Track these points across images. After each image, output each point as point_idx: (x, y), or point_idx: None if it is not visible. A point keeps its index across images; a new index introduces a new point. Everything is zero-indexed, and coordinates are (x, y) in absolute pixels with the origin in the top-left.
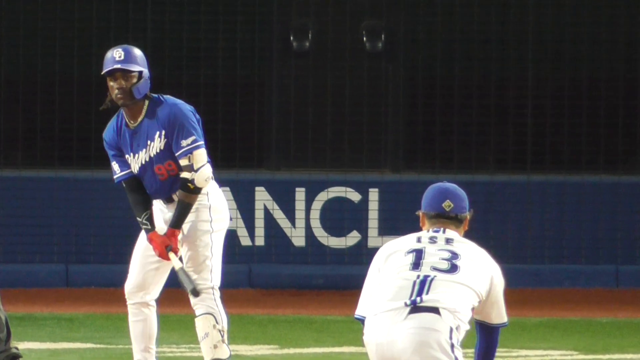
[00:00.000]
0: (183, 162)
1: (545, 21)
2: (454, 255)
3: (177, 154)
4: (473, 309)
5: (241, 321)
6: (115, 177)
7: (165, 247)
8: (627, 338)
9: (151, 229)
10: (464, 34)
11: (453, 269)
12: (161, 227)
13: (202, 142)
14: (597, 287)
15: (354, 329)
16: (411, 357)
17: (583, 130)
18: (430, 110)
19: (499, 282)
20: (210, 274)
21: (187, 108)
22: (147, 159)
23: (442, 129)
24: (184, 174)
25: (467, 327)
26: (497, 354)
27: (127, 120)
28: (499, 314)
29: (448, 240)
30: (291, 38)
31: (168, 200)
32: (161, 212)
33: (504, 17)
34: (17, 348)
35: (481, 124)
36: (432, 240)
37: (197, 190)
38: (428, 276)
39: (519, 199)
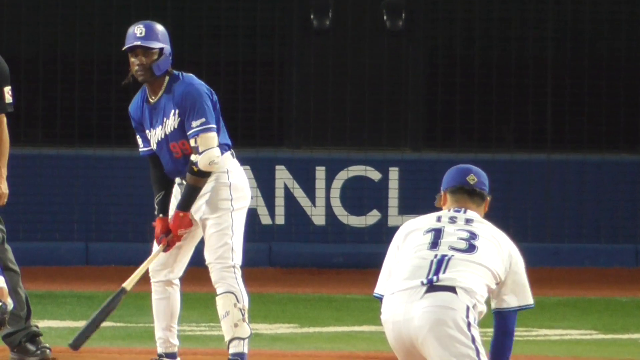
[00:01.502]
0: (192, 143)
1: (565, 0)
2: (473, 236)
3: (187, 134)
4: (489, 289)
5: (261, 300)
6: (140, 150)
7: (162, 233)
8: None
9: (158, 214)
10: (483, 13)
11: (471, 248)
12: (173, 204)
13: (212, 126)
14: (616, 266)
15: (374, 307)
16: (427, 335)
17: (603, 109)
18: (450, 89)
19: (519, 263)
20: (231, 252)
21: (203, 89)
22: (163, 136)
23: (462, 107)
24: (192, 156)
25: (484, 307)
26: (516, 333)
27: (148, 96)
28: (522, 296)
29: (467, 221)
30: (311, 16)
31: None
32: (180, 190)
33: None
34: (37, 326)
35: (501, 102)
36: (452, 220)
37: (201, 173)
38: (445, 255)
39: (538, 178)
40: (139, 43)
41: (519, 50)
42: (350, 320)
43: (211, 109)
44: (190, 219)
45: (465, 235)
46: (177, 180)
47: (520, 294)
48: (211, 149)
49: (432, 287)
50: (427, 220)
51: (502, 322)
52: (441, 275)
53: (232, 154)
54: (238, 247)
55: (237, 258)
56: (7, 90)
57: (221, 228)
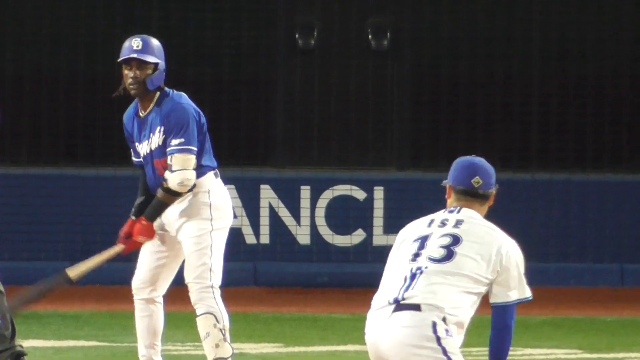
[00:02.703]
0: (168, 160)
1: (550, 19)
2: (455, 240)
3: (166, 151)
4: (475, 292)
5: (246, 319)
6: (132, 159)
7: (125, 235)
8: (631, 337)
9: (131, 216)
10: (469, 32)
11: (448, 257)
12: (163, 226)
13: (191, 147)
14: (602, 285)
15: (359, 327)
16: (395, 357)
17: (588, 129)
18: (436, 109)
19: (512, 259)
20: (209, 272)
21: (190, 110)
22: (148, 151)
23: (448, 127)
24: (166, 173)
25: (463, 314)
26: None
27: (138, 109)
28: (515, 290)
29: (457, 222)
30: (297, 36)
31: None
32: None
33: (509, 15)
34: (21, 346)
35: (486, 122)
36: (443, 223)
37: (170, 191)
38: (420, 268)
39: (523, 197)
40: (135, 56)
41: (504, 70)
42: (335, 340)
43: (194, 131)
44: (153, 230)
45: (447, 241)
46: None
47: (513, 288)
48: (184, 170)
49: (398, 306)
50: (420, 225)
51: (496, 316)
52: (407, 293)
53: (215, 174)
54: (217, 267)
55: (216, 278)
56: None
57: (200, 247)
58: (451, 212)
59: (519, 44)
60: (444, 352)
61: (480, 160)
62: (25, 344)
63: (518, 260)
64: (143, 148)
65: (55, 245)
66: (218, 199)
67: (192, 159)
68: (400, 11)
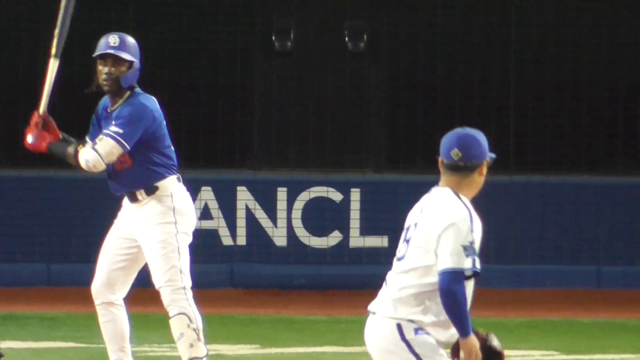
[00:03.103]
0: (98, 140)
1: (527, 24)
2: (414, 230)
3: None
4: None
5: (223, 321)
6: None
7: (36, 123)
8: (608, 338)
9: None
10: (446, 35)
11: (405, 253)
12: (125, 229)
13: (124, 143)
14: (578, 287)
15: (336, 329)
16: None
17: (565, 131)
18: (413, 111)
19: (451, 235)
20: (180, 274)
21: (146, 112)
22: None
23: (424, 129)
24: (88, 144)
25: (426, 313)
26: None
27: (109, 104)
28: (453, 258)
29: (423, 207)
30: (273, 38)
31: (131, 197)
32: (127, 213)
33: (487, 19)
34: None
35: (463, 125)
36: (421, 209)
37: (75, 158)
38: (391, 270)
39: (500, 199)
40: (111, 52)
41: (482, 73)
42: (312, 342)
43: (137, 132)
44: (38, 148)
45: (410, 234)
46: (125, 200)
47: (449, 257)
48: (100, 158)
49: (371, 313)
50: (409, 217)
51: (438, 282)
52: (375, 301)
53: (178, 178)
54: (186, 269)
55: (186, 280)
56: None
57: (167, 251)
58: (428, 192)
59: (496, 48)
60: (416, 356)
61: (465, 131)
62: (3, 345)
63: (454, 231)
64: None
65: (31, 248)
66: (181, 203)
67: (115, 153)
68: (377, 14)
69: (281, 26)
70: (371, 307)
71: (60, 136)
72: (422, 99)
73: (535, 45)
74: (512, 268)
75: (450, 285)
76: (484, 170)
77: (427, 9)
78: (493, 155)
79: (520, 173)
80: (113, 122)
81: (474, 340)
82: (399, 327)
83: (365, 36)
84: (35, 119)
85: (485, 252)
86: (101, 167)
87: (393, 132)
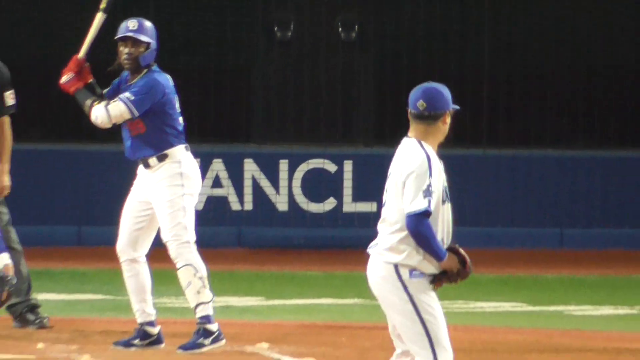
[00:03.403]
0: (111, 101)
1: (499, 15)
2: (388, 178)
3: None
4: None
5: (231, 277)
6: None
7: (77, 67)
8: (569, 292)
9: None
10: (427, 27)
11: (385, 201)
12: (141, 193)
13: (133, 110)
14: (543, 248)
15: (331, 283)
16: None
17: (532, 111)
18: (397, 93)
19: (411, 179)
20: (185, 230)
21: (159, 87)
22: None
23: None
24: (105, 102)
25: (410, 257)
26: (455, 305)
27: (129, 78)
28: (405, 204)
29: (395, 157)
30: (275, 28)
31: (145, 164)
32: (142, 179)
33: (463, 13)
34: (36, 299)
35: (463, 105)
36: (393, 160)
37: (89, 110)
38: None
39: (475, 170)
40: (130, 34)
41: (458, 59)
42: (310, 294)
43: (146, 101)
44: (67, 88)
45: (386, 184)
46: (140, 167)
47: (410, 201)
48: (109, 117)
49: (371, 255)
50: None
51: (407, 226)
52: (373, 244)
53: (186, 147)
54: (190, 226)
55: (191, 235)
56: (8, 94)
57: (174, 210)
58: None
59: (471, 37)
60: (405, 289)
61: (430, 85)
62: (39, 297)
63: (414, 176)
64: None
65: (64, 212)
66: (188, 169)
67: (124, 117)
68: (367, 8)
69: (282, 18)
70: (371, 248)
71: (90, 81)
72: (405, 82)
73: (507, 36)
74: (485, 230)
75: (416, 227)
76: (447, 119)
77: (411, 4)
78: (456, 107)
79: (493, 148)
80: (129, 91)
81: (450, 259)
82: (396, 268)
83: (356, 27)
84: (73, 62)
85: (462, 217)
86: (106, 125)
87: (380, 111)
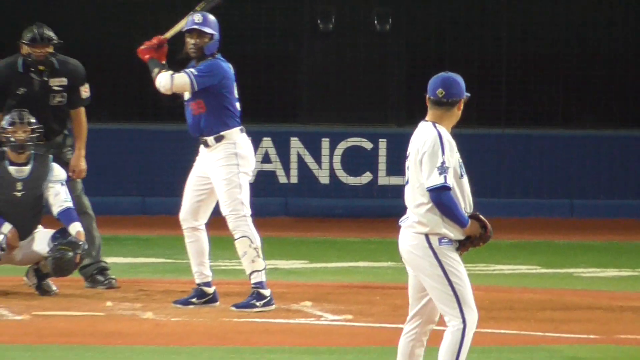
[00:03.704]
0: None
1: (516, 8)
2: (407, 157)
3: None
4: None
5: (279, 242)
6: None
7: (158, 42)
8: (579, 256)
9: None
10: (452, 19)
11: (407, 178)
12: (201, 169)
13: (194, 82)
14: (556, 216)
15: (367, 248)
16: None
17: (544, 95)
18: (426, 78)
19: (426, 157)
20: (241, 205)
21: (219, 70)
22: (189, 95)
23: None
24: (171, 71)
25: (437, 226)
26: (477, 268)
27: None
28: (430, 178)
29: (412, 138)
30: (318, 21)
31: (204, 144)
32: (202, 156)
33: (483, 4)
34: (105, 262)
35: (483, 89)
36: (411, 141)
37: (156, 76)
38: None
39: (495, 148)
40: (196, 27)
41: (480, 48)
42: (348, 258)
43: (207, 79)
44: (144, 56)
45: (406, 162)
46: (201, 146)
47: (427, 178)
48: (172, 85)
49: (402, 227)
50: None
51: (430, 199)
52: (404, 217)
53: (241, 129)
54: (246, 201)
55: (247, 209)
56: (83, 88)
57: (231, 187)
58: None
59: (491, 28)
60: (439, 262)
61: (448, 75)
62: (108, 260)
63: (428, 154)
64: (186, 93)
65: (130, 184)
66: (242, 149)
67: (185, 86)
68: (399, 2)
69: (324, 11)
70: (401, 222)
71: (164, 62)
72: (433, 68)
73: (521, 24)
74: (504, 201)
75: (438, 198)
76: (462, 105)
77: (436, 1)
78: (468, 94)
79: (510, 127)
80: (195, 68)
81: (472, 225)
82: (427, 237)
83: (389, 19)
84: (157, 38)
85: (483, 189)
86: (168, 91)
87: (411, 94)
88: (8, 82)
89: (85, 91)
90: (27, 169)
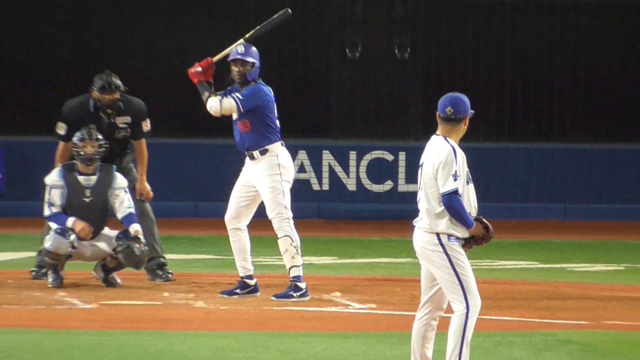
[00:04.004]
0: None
1: (517, 38)
2: (421, 167)
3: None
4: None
5: (312, 241)
6: None
7: (206, 64)
8: (571, 253)
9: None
10: (462, 49)
11: (420, 185)
12: (246, 179)
13: (238, 102)
14: (552, 219)
15: (388, 246)
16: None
17: (543, 113)
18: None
19: (441, 168)
20: (285, 209)
21: (261, 94)
22: (237, 116)
23: None
24: (219, 96)
25: (445, 221)
26: (482, 263)
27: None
28: (445, 184)
29: (426, 151)
30: (347, 50)
31: (250, 157)
32: (248, 167)
33: (487, 35)
34: (164, 257)
35: (489, 108)
36: (425, 153)
37: (207, 100)
38: (417, 199)
39: (499, 159)
40: (239, 57)
41: (485, 72)
42: (372, 255)
43: (251, 102)
44: (194, 78)
45: (420, 171)
46: (247, 159)
47: (442, 184)
48: (221, 109)
49: (416, 227)
50: (421, 160)
51: (443, 203)
52: (417, 219)
53: (281, 143)
54: (288, 205)
55: (289, 212)
56: (145, 124)
57: (276, 193)
58: (430, 139)
59: (495, 55)
60: (444, 250)
61: (455, 95)
62: (166, 256)
63: (443, 164)
64: (234, 114)
65: (184, 190)
66: (284, 161)
67: (232, 109)
68: (416, 34)
69: (352, 41)
70: (415, 222)
71: (210, 81)
72: (445, 90)
73: (522, 51)
74: (507, 205)
75: (449, 203)
76: (467, 121)
77: (449, 30)
78: (473, 112)
79: (512, 142)
80: (239, 92)
81: (477, 227)
82: (438, 236)
83: (408, 49)
84: (206, 61)
85: (488, 195)
86: (217, 114)
87: (427, 113)
88: (81, 119)
89: (146, 126)
90: (94, 178)
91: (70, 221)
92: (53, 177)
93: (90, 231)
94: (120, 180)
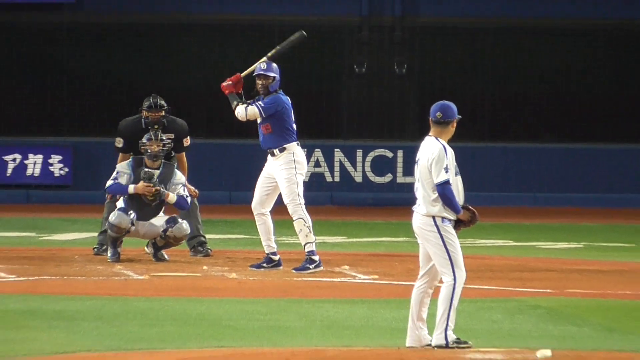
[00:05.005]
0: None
1: (498, 59)
2: (416, 162)
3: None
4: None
5: (326, 224)
6: None
7: (235, 79)
8: (541, 233)
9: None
10: (452, 67)
11: (416, 177)
12: (268, 172)
13: (261, 111)
14: (523, 205)
15: (389, 227)
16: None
17: (518, 119)
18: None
19: (434, 163)
20: (298, 196)
21: (280, 103)
22: (260, 120)
23: None
24: (245, 104)
25: (438, 206)
26: (466, 242)
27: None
28: (437, 176)
29: (420, 149)
30: (354, 66)
31: (271, 154)
32: (269, 163)
33: (474, 55)
34: (204, 236)
35: (473, 115)
36: (419, 150)
37: (235, 109)
38: (415, 187)
39: (480, 156)
40: (262, 72)
41: (470, 87)
42: (376, 235)
43: (271, 109)
44: (226, 90)
45: (416, 166)
46: (269, 156)
47: (435, 175)
48: (246, 115)
49: (415, 211)
50: (417, 156)
51: (437, 191)
52: (416, 205)
53: (297, 143)
54: (301, 193)
55: (301, 199)
56: (185, 140)
57: (290, 184)
58: (423, 140)
59: (478, 74)
60: (438, 230)
61: (444, 102)
62: (206, 236)
63: (436, 159)
64: (258, 119)
65: (221, 181)
66: (299, 157)
67: (255, 115)
68: (413, 53)
69: (358, 58)
70: (414, 208)
71: (240, 92)
72: (438, 99)
73: (508, 70)
74: (488, 194)
75: (442, 190)
76: (455, 124)
77: (442, 52)
78: (459, 116)
79: (492, 142)
80: (262, 101)
81: (464, 213)
82: (433, 218)
83: (405, 66)
84: (236, 76)
85: (474, 185)
86: (243, 119)
87: (421, 118)
88: (135, 133)
89: (186, 142)
90: (157, 172)
91: (132, 187)
92: (124, 165)
93: (151, 187)
94: (179, 176)
